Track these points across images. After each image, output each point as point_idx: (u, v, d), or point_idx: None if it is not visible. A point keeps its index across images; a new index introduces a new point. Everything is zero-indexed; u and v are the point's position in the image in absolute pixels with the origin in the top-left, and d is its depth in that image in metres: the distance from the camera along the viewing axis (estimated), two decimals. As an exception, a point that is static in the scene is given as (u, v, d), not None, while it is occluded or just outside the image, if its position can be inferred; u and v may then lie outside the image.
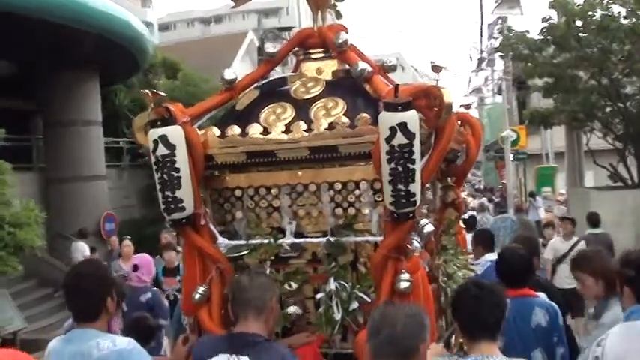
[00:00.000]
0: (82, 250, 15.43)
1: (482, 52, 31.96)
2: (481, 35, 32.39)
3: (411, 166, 3.44)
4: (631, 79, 15.84)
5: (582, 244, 10.24)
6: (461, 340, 4.17)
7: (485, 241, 7.25)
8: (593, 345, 3.63)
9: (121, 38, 17.70)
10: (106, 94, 21.21)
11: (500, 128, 27.64)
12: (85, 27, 15.80)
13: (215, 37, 46.37)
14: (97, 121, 19.32)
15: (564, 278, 9.92)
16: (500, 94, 31.08)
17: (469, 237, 7.79)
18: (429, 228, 3.67)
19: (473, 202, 22.96)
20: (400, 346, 2.82)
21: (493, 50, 20.12)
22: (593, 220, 11.87)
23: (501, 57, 21.82)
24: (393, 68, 4.47)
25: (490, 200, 23.89)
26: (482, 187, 44.02)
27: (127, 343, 3.51)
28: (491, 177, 44.28)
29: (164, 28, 64.77)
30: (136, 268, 7.83)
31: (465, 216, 12.67)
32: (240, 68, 31.92)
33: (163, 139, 3.81)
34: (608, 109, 16.36)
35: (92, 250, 15.71)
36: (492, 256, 6.93)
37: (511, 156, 27.28)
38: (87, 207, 18.20)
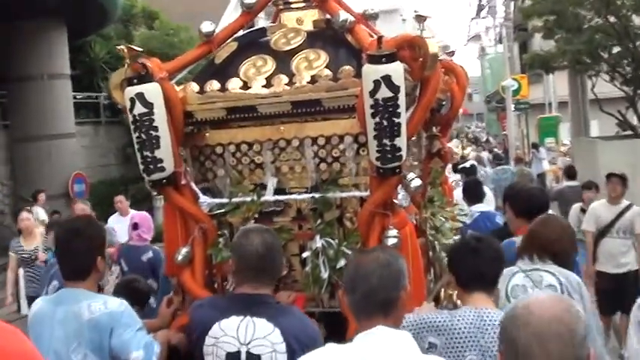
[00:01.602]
0: (35, 215, 13.78)
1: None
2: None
3: (396, 120, 3.57)
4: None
5: (636, 211, 8.69)
6: (450, 292, 4.45)
7: (472, 191, 7.61)
8: (634, 309, 3.77)
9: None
10: (82, 46, 21.18)
11: (502, 78, 27.93)
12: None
13: None
14: (65, 74, 19.19)
15: (609, 258, 8.65)
16: (501, 43, 31.32)
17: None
18: (416, 182, 3.81)
19: (471, 154, 23.29)
20: (379, 300, 2.90)
21: None
22: (570, 173, 12.67)
23: None
24: (375, 17, 4.60)
25: (490, 151, 24.15)
26: (479, 137, 44.47)
27: (118, 304, 3.66)
28: (494, 128, 44.78)
29: None
30: (136, 226, 7.90)
31: (467, 164, 12.99)
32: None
33: (140, 96, 3.92)
34: (615, 50, 16.06)
35: (54, 214, 14.88)
36: (481, 207, 7.30)
37: (513, 106, 27.59)
38: (54, 167, 18.14)
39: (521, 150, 27.90)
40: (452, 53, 5.11)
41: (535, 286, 4.34)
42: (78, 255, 3.75)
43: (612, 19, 15.10)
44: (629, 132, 16.18)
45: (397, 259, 3.05)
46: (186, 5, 30.00)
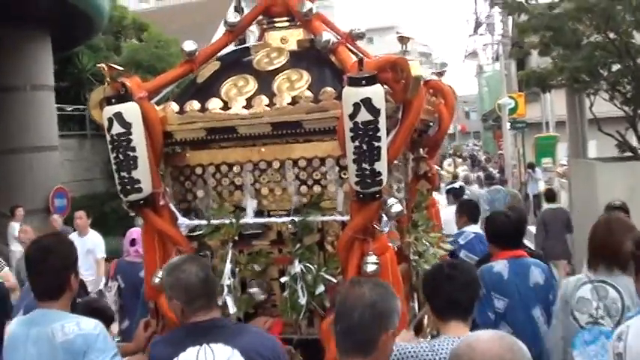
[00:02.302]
0: (11, 231, 14.80)
1: (477, 15, 32.18)
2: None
3: (376, 144, 3.62)
4: None
5: None
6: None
7: (469, 211, 7.75)
8: (613, 339, 3.72)
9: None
10: (69, 57, 21.21)
11: (500, 96, 28.09)
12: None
13: (204, 2, 46.52)
14: (48, 85, 19.03)
15: None
16: (499, 61, 31.53)
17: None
18: (396, 208, 3.85)
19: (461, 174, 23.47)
20: (358, 340, 2.94)
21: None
22: (549, 195, 14.14)
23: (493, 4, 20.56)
24: (361, 36, 4.68)
25: (484, 169, 24.31)
26: (476, 156, 44.84)
27: (93, 326, 3.68)
28: (491, 147, 45.07)
29: None
30: (133, 242, 7.81)
31: (456, 185, 13.12)
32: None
33: (118, 116, 3.97)
34: (615, 68, 15.24)
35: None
36: (475, 228, 7.41)
37: (509, 125, 27.73)
38: (35, 181, 17.92)
39: (517, 170, 28.11)
40: (440, 73, 5.18)
41: (600, 301, 4.39)
42: (50, 274, 3.76)
43: (612, 35, 14.98)
44: (629, 153, 15.99)
45: (386, 299, 3.04)
46: (187, 21, 30.17)
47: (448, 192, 11.47)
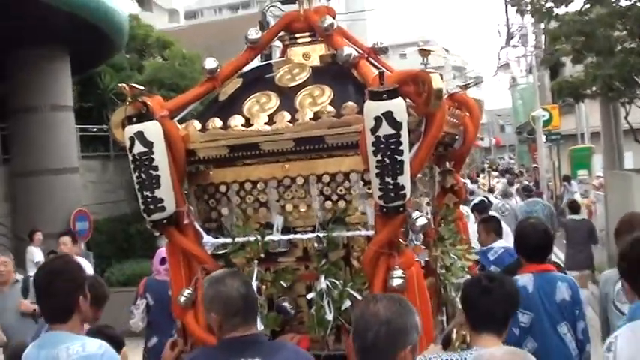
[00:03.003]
0: (30, 256, 14.73)
1: (509, 26, 32.07)
2: (506, 6, 32.37)
3: (398, 158, 3.71)
4: None
5: None
6: (464, 332, 4.60)
7: (495, 226, 7.90)
8: (604, 350, 3.86)
9: (86, 14, 17.28)
10: (91, 77, 21.41)
11: (533, 108, 28.06)
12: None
13: (233, 19, 47.12)
14: (68, 106, 19.07)
15: None
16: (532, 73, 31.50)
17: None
18: (421, 221, 3.93)
19: (497, 186, 23.49)
20: (374, 357, 3.01)
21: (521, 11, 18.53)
22: (573, 207, 14.51)
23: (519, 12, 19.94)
24: (385, 51, 4.81)
25: (511, 184, 24.26)
26: (511, 169, 44.82)
27: (97, 347, 3.82)
28: (525, 160, 44.98)
29: (191, 15, 66.78)
30: (163, 261, 7.81)
31: (476, 200, 13.15)
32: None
33: (140, 135, 4.09)
34: None
35: (51, 253, 13.52)
36: (503, 243, 7.55)
37: (544, 137, 27.68)
38: (56, 204, 17.88)
39: (553, 183, 28.02)
40: (465, 86, 5.28)
41: None
42: (59, 296, 3.89)
43: None
44: None
45: (402, 314, 3.06)
46: (219, 38, 30.35)
47: (473, 208, 11.50)
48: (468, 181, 21.99)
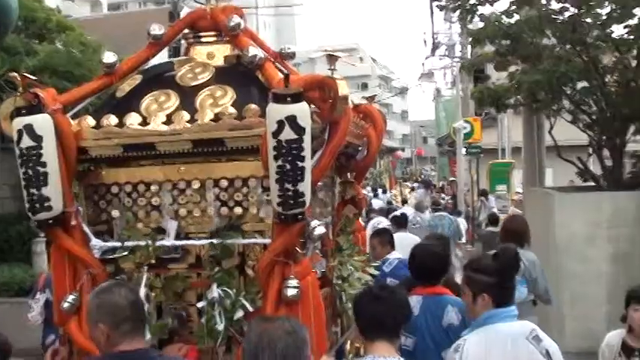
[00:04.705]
0: None
1: (435, 36, 32.58)
2: (432, 16, 32.74)
3: (299, 164, 3.77)
4: (610, 46, 13.68)
5: None
6: (357, 345, 4.68)
7: (389, 239, 8.28)
8: (451, 351, 4.21)
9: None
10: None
11: (455, 120, 28.56)
12: None
13: (146, 11, 46.59)
14: None
15: None
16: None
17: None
18: (319, 230, 4.01)
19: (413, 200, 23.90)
20: None
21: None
22: (492, 219, 16.27)
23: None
24: (292, 55, 4.85)
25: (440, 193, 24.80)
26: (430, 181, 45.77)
27: None
28: (445, 172, 45.85)
29: (115, 7, 66.15)
30: None
31: (397, 213, 13.37)
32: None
33: (28, 128, 4.03)
34: (579, 85, 14.08)
35: None
36: (396, 254, 7.82)
37: (464, 150, 28.17)
38: None
39: (470, 197, 28.53)
40: (371, 98, 5.37)
41: None
42: None
43: (578, 48, 13.76)
44: (590, 183, 14.66)
45: (301, 327, 3.19)
46: (130, 30, 29.91)
47: (391, 221, 11.70)
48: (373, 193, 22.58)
